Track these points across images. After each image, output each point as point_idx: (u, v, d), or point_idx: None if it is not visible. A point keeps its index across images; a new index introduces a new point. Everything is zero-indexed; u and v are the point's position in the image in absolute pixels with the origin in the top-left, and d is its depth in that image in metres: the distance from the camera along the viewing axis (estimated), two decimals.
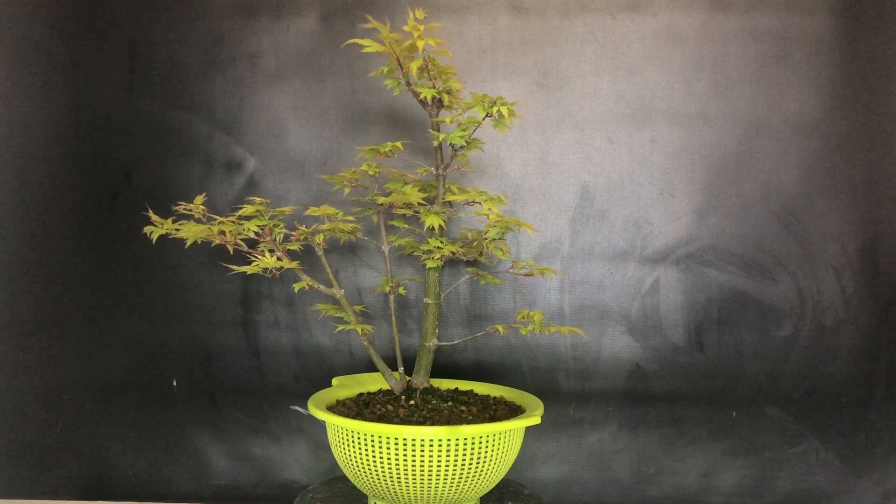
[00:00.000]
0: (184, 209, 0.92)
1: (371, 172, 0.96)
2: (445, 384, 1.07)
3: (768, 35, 1.15)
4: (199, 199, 0.92)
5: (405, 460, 0.85)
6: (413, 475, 0.85)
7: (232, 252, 0.93)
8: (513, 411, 0.97)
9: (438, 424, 0.88)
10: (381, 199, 0.95)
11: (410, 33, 0.84)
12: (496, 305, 1.19)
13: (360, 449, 0.87)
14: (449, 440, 0.85)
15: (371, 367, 1.02)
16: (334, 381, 1.06)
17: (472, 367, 1.20)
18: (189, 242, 0.92)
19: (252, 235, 0.92)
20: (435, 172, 0.95)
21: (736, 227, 1.17)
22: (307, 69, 1.19)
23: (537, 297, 1.19)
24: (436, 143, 0.93)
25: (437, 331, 0.98)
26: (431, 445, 0.85)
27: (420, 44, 0.84)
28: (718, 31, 1.16)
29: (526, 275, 0.98)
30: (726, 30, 1.16)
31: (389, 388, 1.01)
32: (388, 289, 1.01)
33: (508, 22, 1.17)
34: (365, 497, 0.98)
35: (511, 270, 0.99)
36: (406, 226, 1.04)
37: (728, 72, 1.16)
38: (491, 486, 0.93)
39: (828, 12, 1.14)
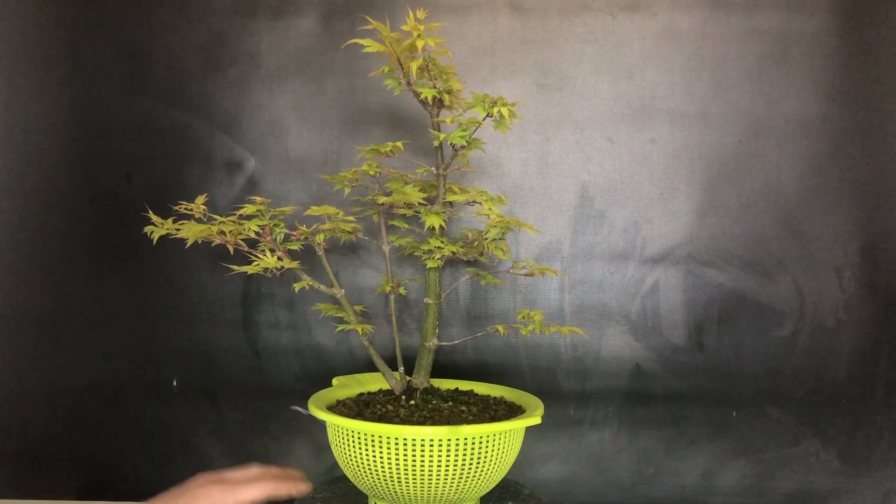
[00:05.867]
0: (184, 209, 0.92)
1: (372, 172, 0.96)
2: (445, 384, 1.07)
3: (768, 35, 1.15)
4: (201, 199, 0.92)
5: (405, 460, 0.85)
6: (413, 475, 0.85)
7: (232, 252, 0.93)
8: (513, 411, 0.97)
9: (439, 424, 0.88)
10: (381, 199, 0.95)
11: (410, 33, 0.84)
12: (496, 305, 1.19)
13: (360, 449, 0.87)
14: (449, 440, 0.85)
15: (371, 367, 1.02)
16: (335, 380, 1.06)
17: (472, 367, 1.20)
18: (189, 242, 0.92)
19: (252, 235, 0.92)
20: (435, 172, 0.95)
21: (736, 227, 1.17)
22: (307, 69, 1.19)
23: (537, 297, 1.19)
24: (436, 143, 0.93)
25: (437, 331, 0.98)
26: (431, 445, 0.85)
27: (420, 43, 0.84)
28: (718, 31, 1.16)
29: (526, 275, 0.98)
30: (726, 30, 1.16)
31: (390, 388, 1.01)
32: (388, 289, 1.01)
33: (508, 22, 1.17)
34: (365, 497, 0.98)
35: (511, 270, 0.99)
36: (406, 226, 1.04)
37: (728, 72, 1.16)
38: (491, 486, 0.93)
39: (828, 12, 1.15)
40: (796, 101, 1.16)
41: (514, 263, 0.99)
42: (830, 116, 1.15)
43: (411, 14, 0.83)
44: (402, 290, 1.03)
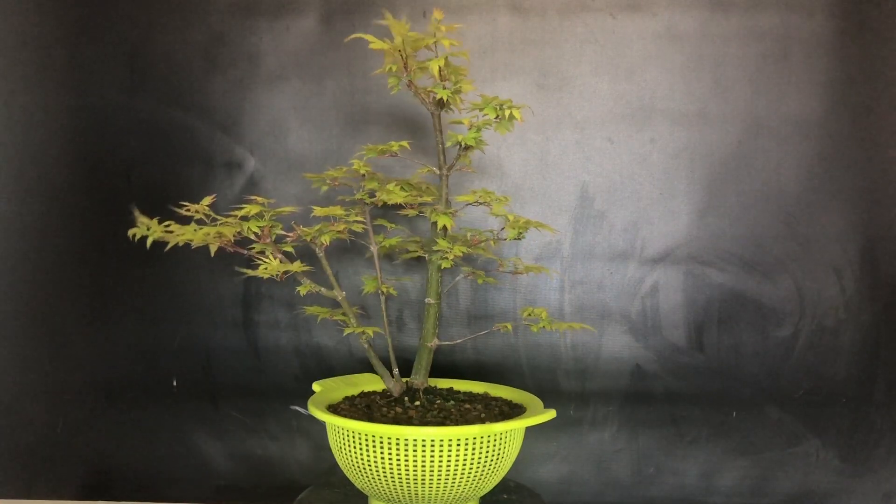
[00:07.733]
0: (186, 212, 0.90)
1: (362, 171, 0.95)
2: (444, 384, 1.07)
3: (768, 35, 1.15)
4: (207, 200, 0.90)
5: (405, 460, 0.85)
6: (413, 475, 0.85)
7: (232, 252, 0.93)
8: (513, 410, 0.97)
9: (449, 425, 0.88)
10: (371, 199, 0.95)
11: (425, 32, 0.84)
12: (496, 305, 1.19)
13: (360, 449, 0.87)
14: (450, 440, 0.85)
15: (369, 368, 1.02)
16: (315, 385, 1.03)
17: (472, 367, 1.20)
18: (182, 243, 0.90)
19: (252, 237, 0.91)
20: (438, 173, 0.95)
21: (736, 227, 1.17)
22: (307, 69, 1.19)
23: (537, 297, 1.19)
24: (449, 144, 0.93)
25: (437, 331, 0.98)
26: (432, 445, 0.85)
27: (445, 43, 0.84)
28: (718, 31, 1.16)
29: (514, 273, 0.98)
30: (726, 30, 1.16)
31: (378, 388, 1.01)
32: (374, 289, 1.00)
33: (508, 22, 1.17)
34: (365, 497, 0.98)
35: (500, 269, 0.99)
36: (393, 225, 1.03)
37: (728, 72, 1.16)
38: (491, 486, 0.93)
39: (828, 13, 1.15)
40: (796, 102, 1.16)
41: (501, 262, 0.99)
42: (830, 116, 1.15)
43: (435, 13, 0.83)
44: (391, 290, 1.02)
